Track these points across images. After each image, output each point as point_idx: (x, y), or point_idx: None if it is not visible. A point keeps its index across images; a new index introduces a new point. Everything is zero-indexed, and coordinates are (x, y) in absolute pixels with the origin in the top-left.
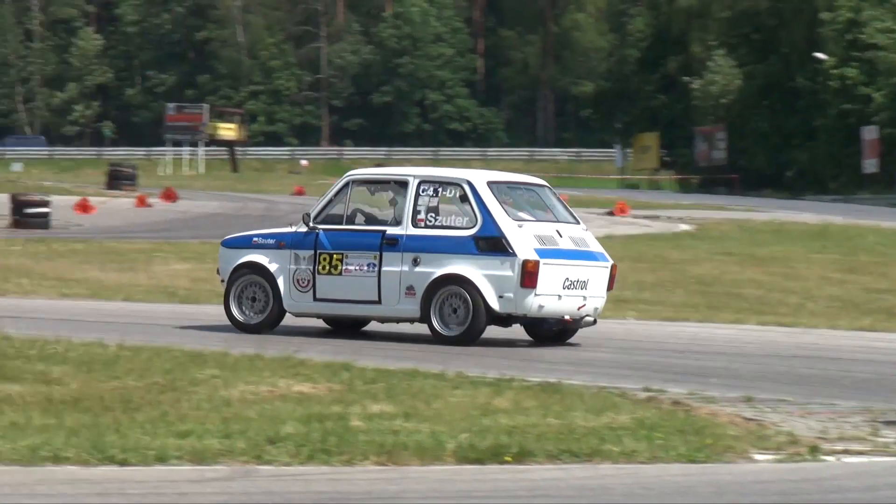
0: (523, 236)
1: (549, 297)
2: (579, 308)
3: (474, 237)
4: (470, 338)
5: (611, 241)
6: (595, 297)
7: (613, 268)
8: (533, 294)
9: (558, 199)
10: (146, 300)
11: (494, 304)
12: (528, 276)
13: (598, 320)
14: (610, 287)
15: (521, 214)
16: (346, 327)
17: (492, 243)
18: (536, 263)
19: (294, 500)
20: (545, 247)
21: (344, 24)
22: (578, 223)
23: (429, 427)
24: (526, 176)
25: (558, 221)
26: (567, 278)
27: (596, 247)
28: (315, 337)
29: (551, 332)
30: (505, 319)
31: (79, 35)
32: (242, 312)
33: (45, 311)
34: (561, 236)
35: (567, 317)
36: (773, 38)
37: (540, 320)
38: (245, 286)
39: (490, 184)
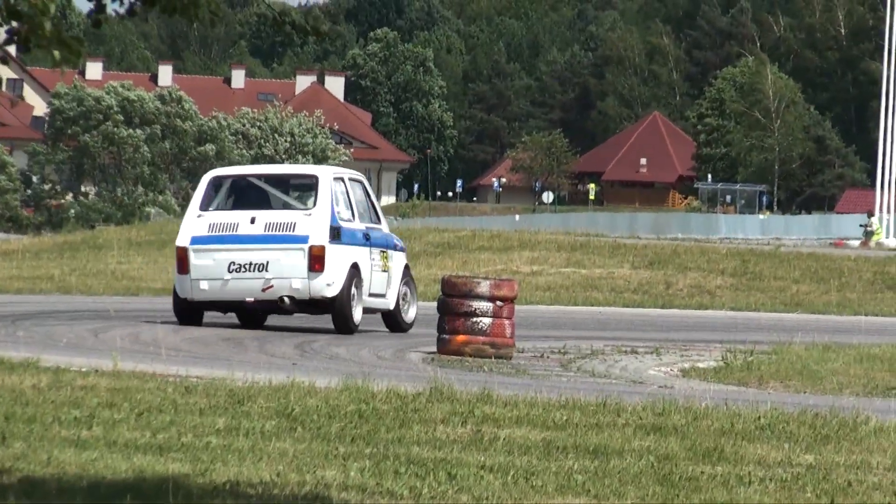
0: (191, 226)
1: (212, 282)
2: (264, 290)
3: None
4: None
5: None
6: (286, 278)
7: (311, 249)
8: (188, 279)
9: (317, 188)
10: None
11: (177, 290)
12: (179, 262)
13: (295, 301)
14: (312, 268)
15: (237, 204)
16: None
17: None
18: (184, 250)
19: None
20: (209, 234)
21: None
22: (305, 209)
23: None
24: (287, 166)
25: (275, 209)
26: (232, 262)
27: (303, 230)
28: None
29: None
30: (197, 305)
31: None
32: None
33: None
34: (253, 223)
35: (249, 299)
36: None
37: (228, 303)
38: None
39: (214, 177)
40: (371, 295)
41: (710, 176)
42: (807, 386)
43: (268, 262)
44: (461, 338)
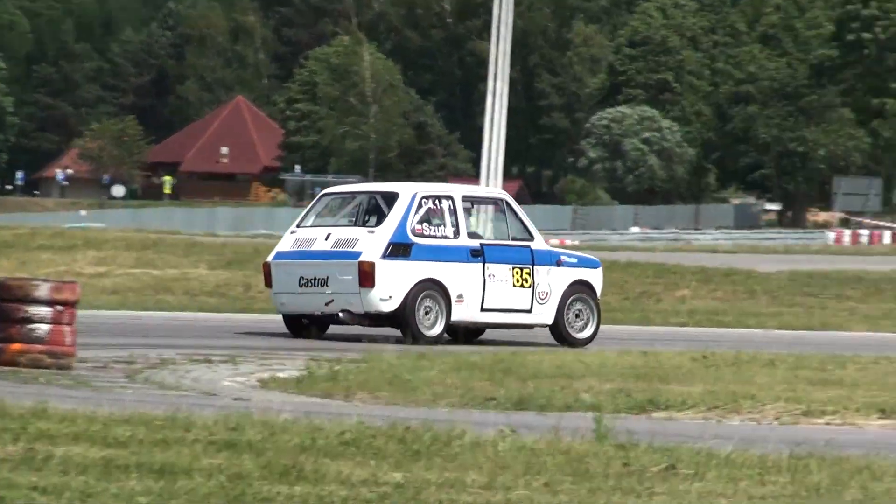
0: (282, 242)
1: (288, 295)
2: (327, 304)
3: None
4: None
5: None
6: (342, 293)
7: (361, 265)
8: (273, 293)
9: (387, 206)
10: None
11: None
12: (265, 277)
13: (353, 315)
14: (363, 283)
15: (327, 221)
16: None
17: None
18: (267, 265)
19: None
20: (290, 249)
21: None
22: (371, 227)
23: None
24: (374, 184)
25: (344, 225)
26: (301, 277)
27: (360, 246)
28: None
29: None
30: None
31: None
32: None
33: None
34: (327, 239)
35: (317, 312)
36: None
37: (309, 316)
38: None
39: (322, 195)
40: (489, 310)
41: (298, 166)
42: (398, 397)
43: (328, 277)
44: (16, 346)
